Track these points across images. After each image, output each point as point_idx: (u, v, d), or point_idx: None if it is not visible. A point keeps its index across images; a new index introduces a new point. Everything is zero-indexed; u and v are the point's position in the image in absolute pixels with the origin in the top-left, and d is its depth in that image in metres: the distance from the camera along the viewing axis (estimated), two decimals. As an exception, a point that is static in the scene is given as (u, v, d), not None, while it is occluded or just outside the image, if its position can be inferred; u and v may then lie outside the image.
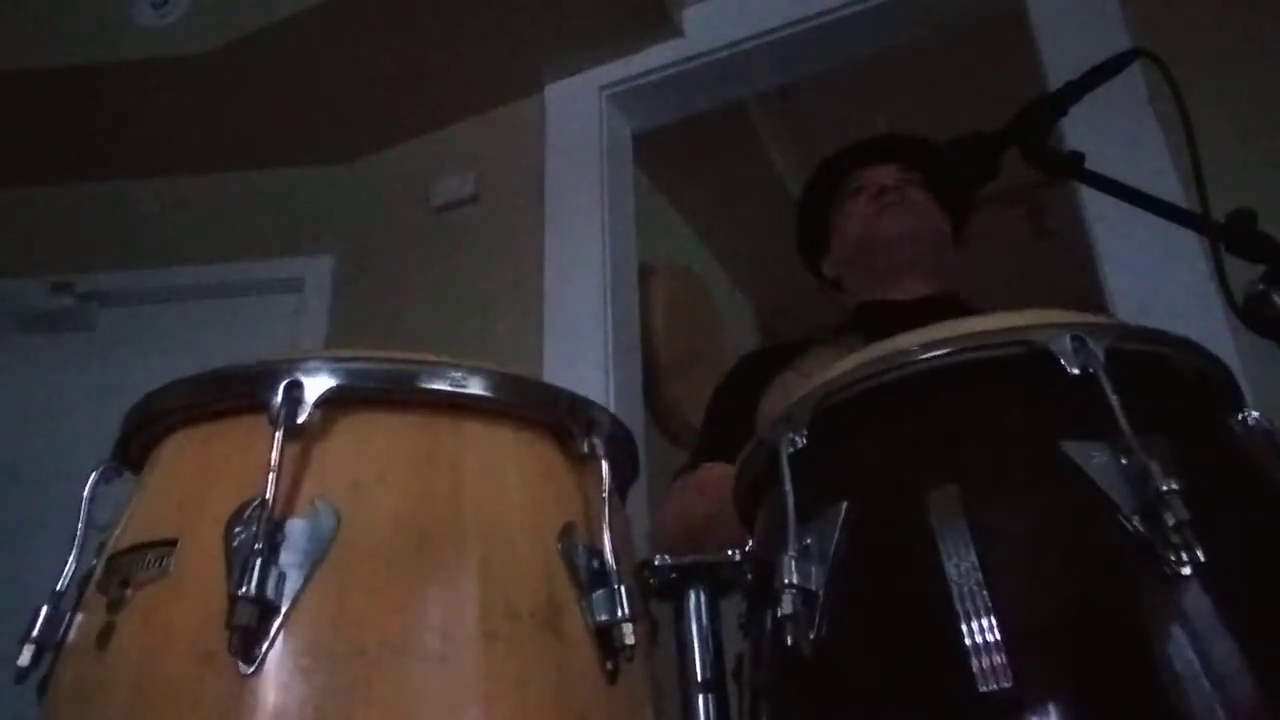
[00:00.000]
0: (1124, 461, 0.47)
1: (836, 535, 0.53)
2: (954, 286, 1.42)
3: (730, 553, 0.62)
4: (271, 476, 0.48)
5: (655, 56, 2.07)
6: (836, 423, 0.57)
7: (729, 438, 1.22)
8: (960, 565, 0.47)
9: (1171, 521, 0.44)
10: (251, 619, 0.44)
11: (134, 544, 0.51)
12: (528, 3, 1.95)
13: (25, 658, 0.50)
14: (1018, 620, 0.45)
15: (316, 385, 0.51)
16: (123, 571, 0.50)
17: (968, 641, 0.45)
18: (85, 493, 0.57)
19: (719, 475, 1.17)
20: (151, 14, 2.07)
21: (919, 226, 1.39)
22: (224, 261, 2.28)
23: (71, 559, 0.54)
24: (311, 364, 0.52)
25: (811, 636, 0.51)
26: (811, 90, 2.35)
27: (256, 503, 0.48)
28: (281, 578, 0.46)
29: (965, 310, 1.31)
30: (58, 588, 0.53)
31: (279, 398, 0.50)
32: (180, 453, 0.55)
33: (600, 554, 0.54)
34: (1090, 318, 0.56)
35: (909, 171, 1.45)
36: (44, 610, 0.51)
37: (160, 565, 0.49)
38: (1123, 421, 0.48)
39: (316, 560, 0.47)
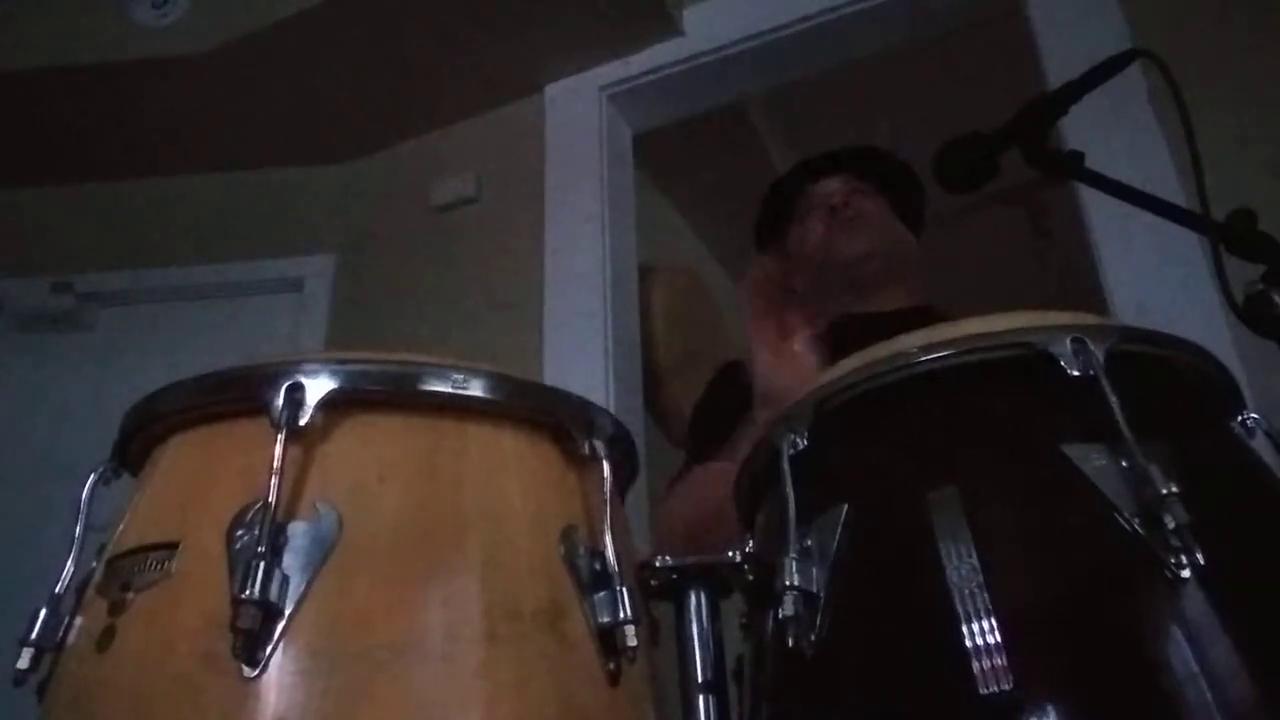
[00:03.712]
0: (1124, 464, 0.47)
1: (837, 537, 0.53)
2: (926, 299, 1.41)
3: (731, 554, 0.62)
4: (273, 479, 0.48)
5: (655, 56, 2.07)
6: (837, 424, 0.57)
7: (718, 446, 1.21)
8: (961, 567, 0.47)
9: (1171, 524, 0.44)
10: (255, 622, 0.44)
11: (134, 546, 0.51)
12: (528, 3, 1.95)
13: (24, 661, 0.50)
14: (1018, 622, 0.45)
15: (318, 387, 0.51)
16: (123, 574, 0.50)
17: (968, 643, 0.45)
18: (84, 494, 0.56)
19: (718, 474, 1.17)
20: (151, 14, 2.07)
21: (874, 243, 1.38)
22: (224, 261, 2.28)
23: (70, 561, 0.54)
24: (312, 366, 0.52)
25: (812, 638, 0.51)
26: (812, 90, 2.35)
27: (258, 505, 0.48)
28: (284, 581, 0.46)
29: (941, 320, 1.31)
30: (56, 590, 0.52)
31: (280, 400, 0.50)
32: (181, 455, 0.55)
33: (602, 555, 0.54)
34: (1091, 319, 0.56)
35: (859, 181, 1.45)
36: (42, 613, 0.51)
37: (161, 568, 0.49)
38: (1123, 424, 0.48)
39: (319, 563, 0.47)
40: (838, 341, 1.33)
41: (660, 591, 0.64)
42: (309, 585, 0.47)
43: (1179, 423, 0.54)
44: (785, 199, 1.52)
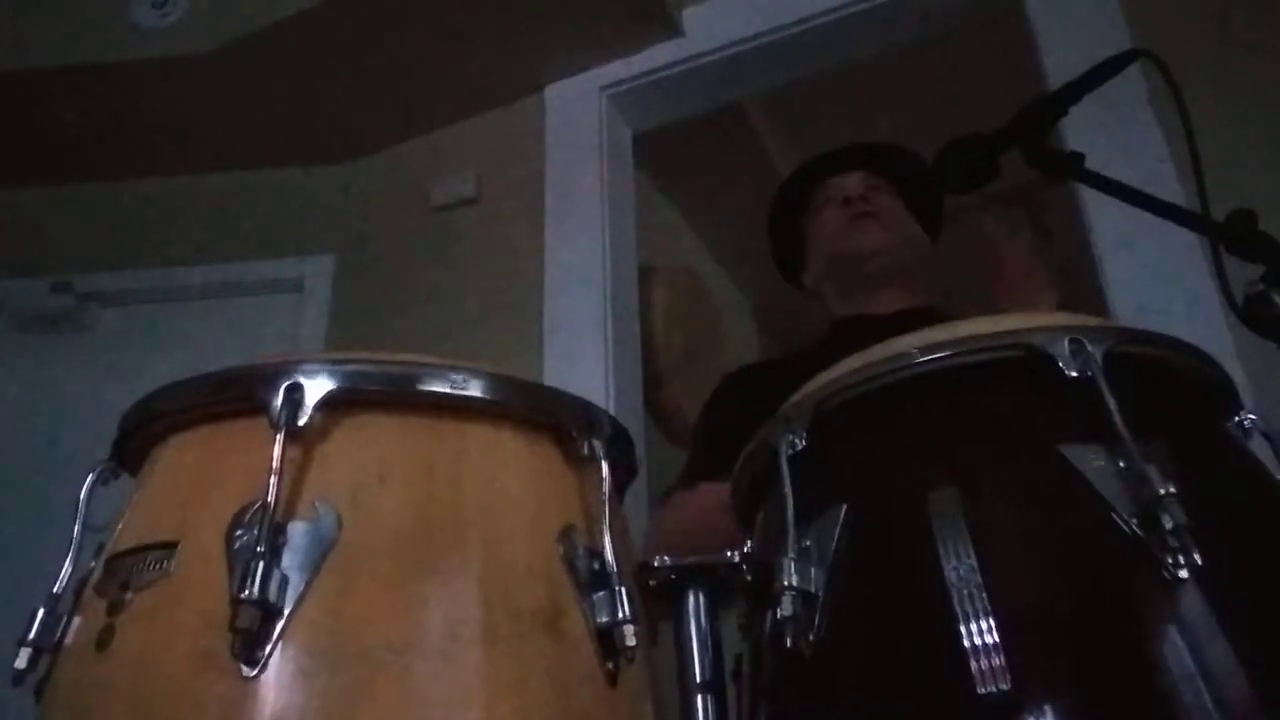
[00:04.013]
0: (1122, 465, 0.48)
1: (836, 537, 0.53)
2: (933, 298, 1.41)
3: (729, 554, 0.62)
4: (273, 479, 0.48)
5: (655, 56, 2.07)
6: (836, 424, 0.57)
7: (717, 460, 1.21)
8: (959, 567, 0.47)
9: (1169, 525, 0.44)
10: (254, 622, 0.44)
11: (133, 546, 0.51)
12: (528, 3, 1.95)
13: (21, 660, 0.50)
14: (1017, 622, 0.45)
15: (317, 387, 0.51)
16: (122, 574, 0.50)
17: (967, 643, 0.45)
18: (82, 494, 0.56)
19: (704, 498, 1.16)
20: (151, 14, 2.07)
21: (889, 239, 1.38)
22: (224, 261, 2.28)
23: (68, 561, 0.54)
24: (311, 366, 0.52)
25: (811, 638, 0.51)
26: (812, 90, 2.35)
27: (258, 505, 0.48)
28: (283, 580, 0.46)
29: (944, 321, 1.30)
30: (54, 590, 0.52)
31: (279, 400, 0.50)
32: (180, 455, 0.55)
33: (601, 555, 0.54)
34: (1088, 320, 0.56)
35: (876, 178, 1.45)
36: (40, 612, 0.51)
37: (160, 567, 0.49)
38: (1120, 425, 0.48)
39: (318, 563, 0.47)
40: (837, 343, 1.33)
41: (659, 592, 0.64)
42: (308, 585, 0.47)
43: (1176, 423, 0.54)
44: (803, 189, 1.51)
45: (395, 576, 0.48)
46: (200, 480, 0.53)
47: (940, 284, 1.44)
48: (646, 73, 2.08)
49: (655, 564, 0.62)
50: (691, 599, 0.63)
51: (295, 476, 0.50)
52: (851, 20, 1.91)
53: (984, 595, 0.46)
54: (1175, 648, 0.43)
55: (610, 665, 0.52)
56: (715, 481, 1.18)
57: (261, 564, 0.45)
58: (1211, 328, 1.22)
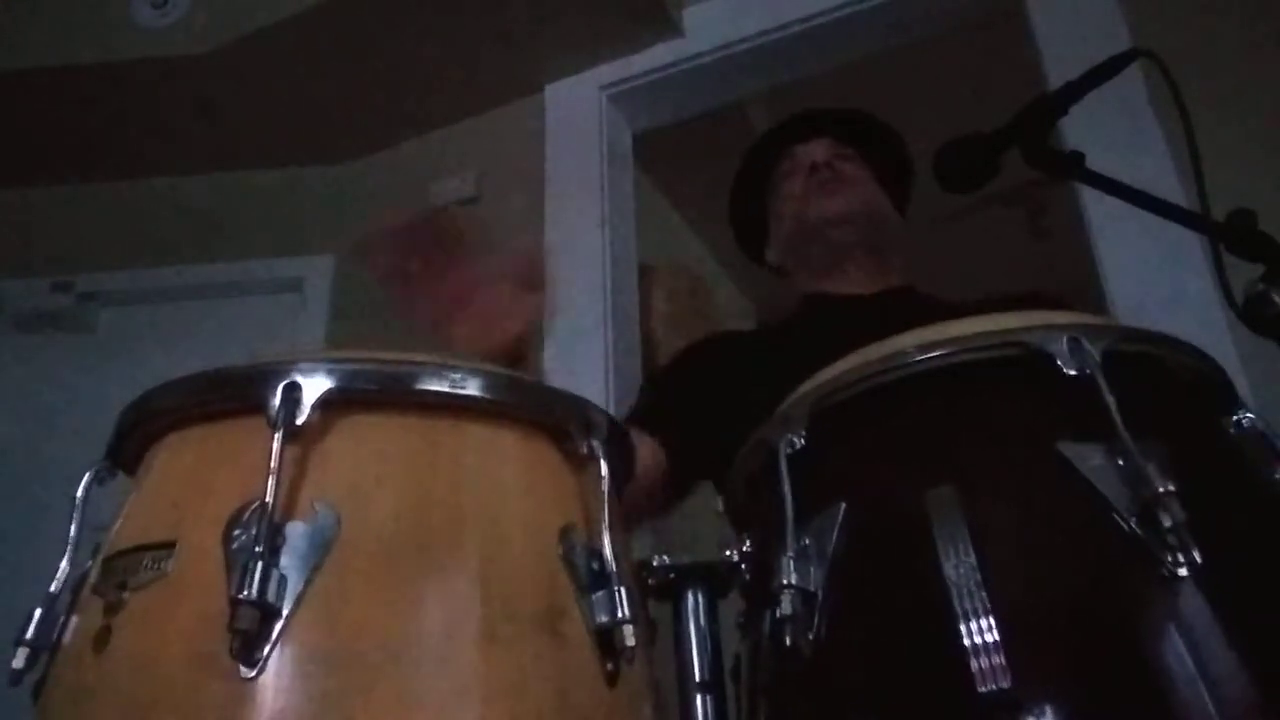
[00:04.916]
0: (1121, 463, 0.48)
1: (835, 536, 0.53)
2: (907, 277, 1.36)
3: (728, 553, 0.62)
4: (271, 479, 0.47)
5: (655, 56, 2.07)
6: (834, 423, 0.57)
7: (659, 414, 1.19)
8: (959, 566, 0.47)
9: (1168, 523, 0.44)
10: (253, 622, 0.44)
11: (131, 546, 0.51)
12: (528, 3, 1.95)
13: (19, 660, 0.50)
14: (1016, 620, 0.45)
15: (315, 386, 0.51)
16: (119, 574, 0.50)
17: (967, 642, 0.45)
18: (78, 494, 0.56)
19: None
20: (151, 14, 2.07)
21: (854, 207, 1.32)
22: (224, 261, 2.28)
23: (65, 561, 0.54)
24: (309, 365, 0.52)
25: (810, 637, 0.51)
26: (812, 90, 2.36)
27: (256, 505, 0.47)
28: (282, 581, 0.46)
29: (921, 303, 1.28)
30: (52, 590, 0.52)
31: (277, 399, 0.50)
32: (177, 454, 0.55)
33: (600, 555, 0.54)
34: (1087, 319, 0.56)
35: (843, 146, 1.40)
36: (38, 612, 0.51)
37: (158, 567, 0.48)
38: (1119, 423, 0.48)
39: (316, 563, 0.47)
40: (814, 321, 1.31)
41: (658, 591, 0.64)
42: (307, 585, 0.46)
43: (1175, 422, 0.54)
44: (767, 160, 1.47)
45: (393, 577, 0.48)
46: (198, 480, 0.53)
47: (934, 284, 1.41)
48: (646, 73, 2.08)
49: (655, 563, 0.62)
50: (690, 598, 0.63)
51: (293, 476, 0.49)
52: (851, 20, 1.92)
53: (983, 593, 0.46)
54: (1174, 645, 0.43)
55: (609, 666, 0.51)
56: (644, 429, 1.15)
57: (260, 564, 0.45)
58: (1211, 328, 1.22)
